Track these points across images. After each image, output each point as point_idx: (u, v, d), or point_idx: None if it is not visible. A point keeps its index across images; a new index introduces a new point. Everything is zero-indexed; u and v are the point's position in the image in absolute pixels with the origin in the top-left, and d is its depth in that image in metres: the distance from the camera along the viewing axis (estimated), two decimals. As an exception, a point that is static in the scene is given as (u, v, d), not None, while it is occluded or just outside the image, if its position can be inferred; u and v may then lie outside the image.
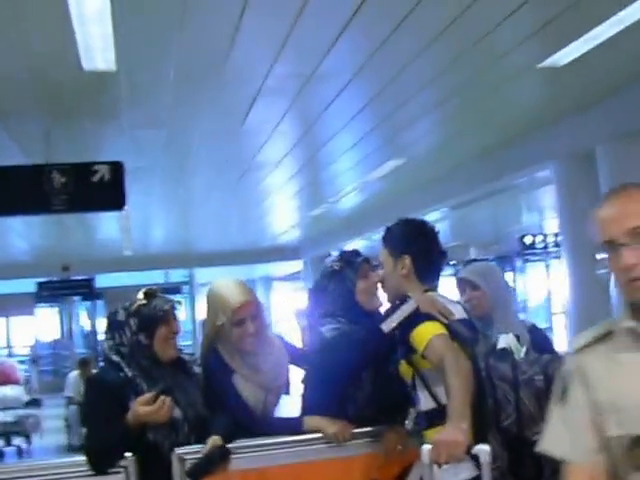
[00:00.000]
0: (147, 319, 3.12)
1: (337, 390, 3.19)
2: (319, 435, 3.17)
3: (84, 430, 3.15)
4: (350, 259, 3.34)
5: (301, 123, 7.87)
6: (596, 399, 1.75)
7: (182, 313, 3.45)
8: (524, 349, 3.29)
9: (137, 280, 20.82)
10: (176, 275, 22.10)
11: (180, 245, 16.86)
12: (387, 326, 2.87)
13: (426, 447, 2.56)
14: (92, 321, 22.68)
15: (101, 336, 21.80)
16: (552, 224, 17.40)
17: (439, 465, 2.53)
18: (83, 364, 12.62)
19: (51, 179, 6.56)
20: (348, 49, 5.56)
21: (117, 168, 6.67)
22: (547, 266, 19.42)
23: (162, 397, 2.94)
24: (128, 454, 3.01)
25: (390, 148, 9.02)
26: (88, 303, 22.15)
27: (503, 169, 9.13)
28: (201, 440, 3.06)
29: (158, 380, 3.10)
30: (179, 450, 3.03)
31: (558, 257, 21.68)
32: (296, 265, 19.84)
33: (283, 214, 14.37)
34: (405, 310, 2.87)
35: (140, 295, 3.21)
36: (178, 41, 4.99)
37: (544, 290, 20.28)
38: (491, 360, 3.01)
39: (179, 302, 3.32)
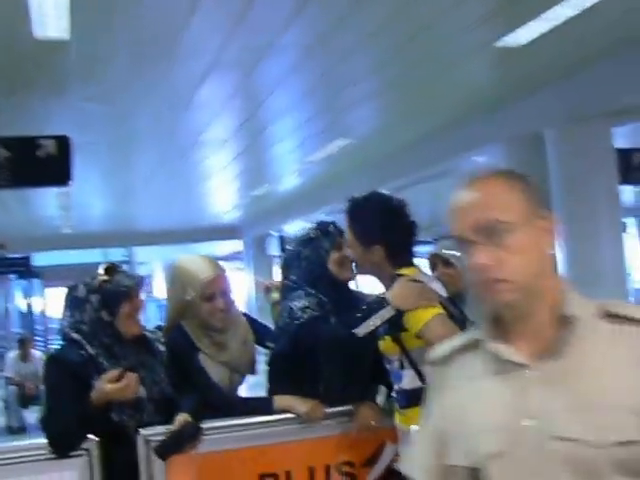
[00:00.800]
0: (110, 296, 2.97)
1: (305, 373, 3.09)
2: (289, 415, 3.07)
3: (44, 411, 2.97)
4: (327, 229, 3.23)
5: (248, 102, 7.74)
6: (444, 422, 1.54)
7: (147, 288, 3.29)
8: None
9: (75, 259, 20.44)
10: (115, 254, 21.69)
11: (120, 223, 16.52)
12: (362, 330, 2.71)
13: (415, 428, 2.47)
14: (29, 300, 22.09)
15: (38, 315, 21.39)
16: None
17: None
18: (21, 343, 12.27)
19: (-5, 153, 6.30)
20: (299, 30, 5.51)
21: (63, 142, 6.45)
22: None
23: (128, 374, 2.79)
24: (91, 436, 2.87)
25: (336, 129, 8.95)
26: (24, 282, 21.56)
27: (450, 151, 9.11)
28: (167, 420, 2.93)
29: (121, 358, 2.96)
30: (144, 431, 2.89)
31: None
32: (236, 245, 19.66)
33: (225, 194, 14.19)
34: (383, 315, 2.70)
35: (101, 271, 3.06)
36: (134, 14, 4.82)
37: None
38: None
39: (141, 277, 3.17)
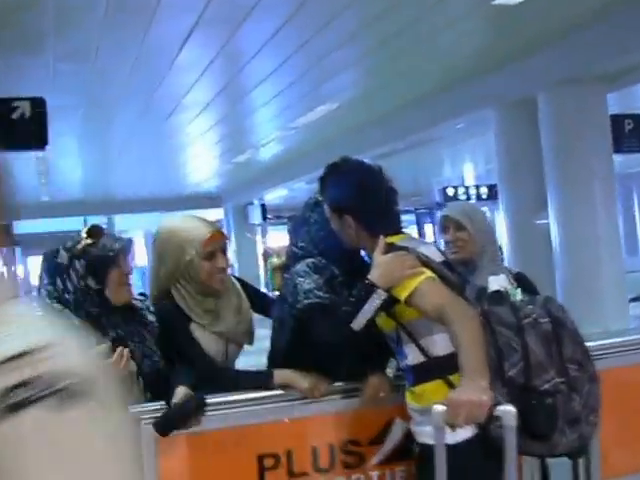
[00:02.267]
0: (96, 261, 2.65)
1: (307, 350, 2.78)
2: (290, 391, 2.77)
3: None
4: None
5: (230, 65, 7.38)
6: None
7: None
8: (519, 291, 2.93)
9: (54, 227, 20.00)
10: (94, 222, 21.26)
11: (99, 191, 16.07)
12: (357, 324, 2.46)
13: (438, 407, 2.18)
14: (10, 268, 21.63)
15: (22, 283, 20.95)
16: (470, 177, 17.40)
17: (452, 427, 2.18)
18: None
19: (-34, 115, 5.91)
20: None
21: (39, 104, 6.09)
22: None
23: (118, 348, 2.47)
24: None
25: (319, 94, 8.62)
26: (5, 250, 21.11)
27: (438, 116, 8.80)
28: (158, 396, 2.64)
29: (109, 329, 2.65)
30: (133, 409, 2.59)
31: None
32: (217, 213, 19.29)
33: (205, 161, 13.82)
34: (374, 302, 2.45)
35: (83, 234, 2.72)
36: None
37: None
38: (485, 305, 2.57)
39: (130, 240, 2.83)
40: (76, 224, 20.65)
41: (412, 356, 2.51)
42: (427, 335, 2.47)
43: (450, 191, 16.63)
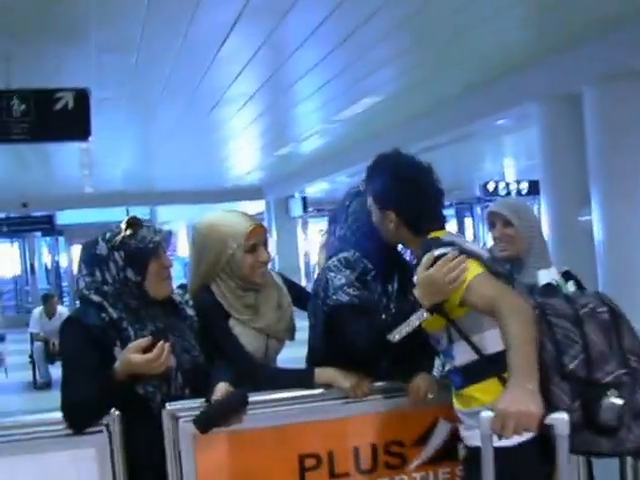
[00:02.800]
0: (135, 253, 2.57)
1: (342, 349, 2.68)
2: (332, 390, 2.68)
3: (61, 381, 2.57)
4: None
5: (274, 57, 7.22)
6: None
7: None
8: (571, 283, 2.81)
9: (98, 217, 20.19)
10: (137, 213, 21.36)
11: (142, 182, 16.11)
12: (396, 336, 2.39)
13: (486, 414, 2.06)
14: (53, 257, 21.86)
15: (64, 272, 21.19)
16: (511, 172, 17.14)
17: (499, 437, 2.06)
18: (46, 300, 12.04)
19: (11, 106, 5.93)
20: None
21: (82, 96, 6.07)
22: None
23: (160, 343, 2.37)
24: (111, 410, 2.49)
25: (363, 87, 8.45)
26: (49, 239, 21.34)
27: (480, 111, 8.62)
28: (197, 393, 2.56)
29: (148, 322, 2.56)
30: (171, 405, 2.52)
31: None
32: (258, 205, 19.25)
33: (247, 155, 13.74)
34: (414, 321, 2.38)
35: (123, 225, 2.64)
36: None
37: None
38: (538, 298, 2.43)
39: (169, 232, 2.72)
40: (119, 215, 20.85)
41: (462, 356, 2.40)
42: (479, 332, 2.37)
43: (490, 186, 16.41)
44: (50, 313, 11.60)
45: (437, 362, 2.88)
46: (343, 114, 9.63)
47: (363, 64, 7.48)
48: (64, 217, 19.35)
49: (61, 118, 5.90)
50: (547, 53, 7.22)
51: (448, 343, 2.43)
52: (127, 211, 21.10)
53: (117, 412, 2.49)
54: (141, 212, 21.18)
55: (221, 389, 2.48)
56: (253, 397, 2.56)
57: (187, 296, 2.80)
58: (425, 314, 2.35)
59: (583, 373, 2.23)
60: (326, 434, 2.67)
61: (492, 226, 3.15)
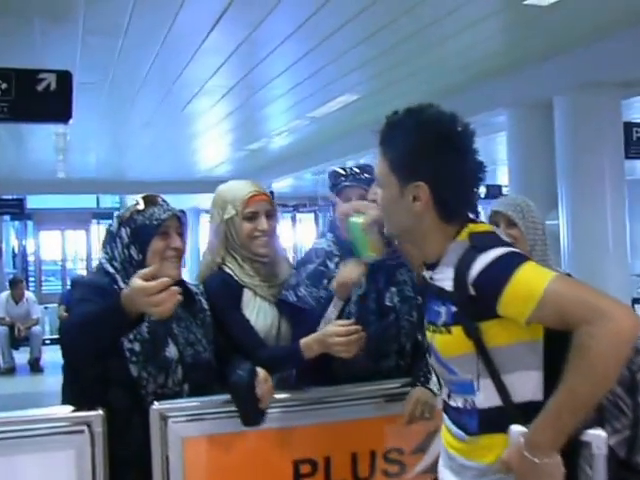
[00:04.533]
0: (140, 229, 2.26)
1: None
2: (331, 393, 2.38)
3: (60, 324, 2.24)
4: (339, 177, 2.63)
5: (253, 54, 6.90)
6: None
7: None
8: None
9: (68, 203, 19.62)
10: (107, 201, 20.81)
11: (113, 171, 15.59)
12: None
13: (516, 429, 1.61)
14: (21, 241, 21.15)
15: (31, 257, 20.56)
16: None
17: None
18: (13, 284, 11.50)
19: (-9, 84, 5.50)
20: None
21: (65, 77, 5.65)
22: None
23: (165, 280, 1.94)
24: (94, 412, 2.16)
25: (336, 88, 8.19)
26: (18, 223, 20.63)
27: (457, 112, 8.40)
28: (197, 391, 2.27)
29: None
30: (159, 405, 2.19)
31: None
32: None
33: (218, 148, 13.38)
34: (329, 314, 2.10)
35: (139, 200, 2.34)
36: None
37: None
38: None
39: (183, 212, 2.38)
40: (89, 202, 20.30)
41: (485, 395, 1.71)
42: (513, 370, 1.68)
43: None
44: (17, 297, 11.08)
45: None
46: (318, 111, 9.34)
47: (337, 67, 7.23)
48: (33, 201, 18.74)
49: (43, 99, 5.51)
50: (519, 63, 7.06)
51: (474, 377, 1.72)
52: (97, 199, 20.60)
53: (101, 412, 2.16)
54: (110, 200, 20.67)
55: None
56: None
57: (201, 287, 2.50)
58: (339, 303, 2.01)
59: (622, 453, 1.77)
60: (323, 439, 2.37)
61: (495, 226, 2.87)
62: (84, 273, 17.94)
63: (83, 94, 6.73)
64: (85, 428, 2.15)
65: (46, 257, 21.26)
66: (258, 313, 2.50)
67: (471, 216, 1.81)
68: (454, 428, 1.81)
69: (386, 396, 2.43)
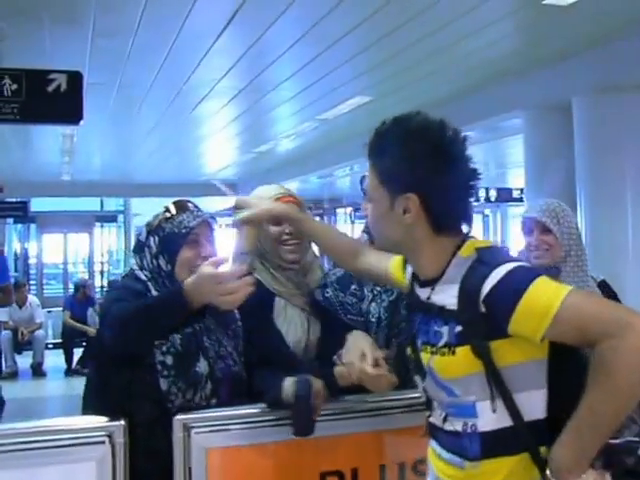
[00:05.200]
0: (168, 238, 2.19)
1: None
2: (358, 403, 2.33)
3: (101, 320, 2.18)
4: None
5: (262, 56, 6.87)
6: None
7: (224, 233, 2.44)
8: None
9: (72, 206, 19.61)
10: (111, 204, 20.81)
11: (119, 173, 15.63)
12: None
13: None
14: (24, 245, 21.15)
15: (33, 260, 20.54)
16: (486, 177, 17.00)
17: None
18: (16, 287, 11.44)
19: (2, 85, 5.52)
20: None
21: (76, 78, 5.66)
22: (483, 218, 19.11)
23: (247, 277, 1.88)
24: (113, 422, 2.11)
25: (350, 89, 8.16)
26: (21, 226, 20.62)
27: (470, 116, 8.35)
28: (223, 404, 2.21)
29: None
30: (184, 416, 2.15)
31: (481, 211, 21.91)
32: (232, 201, 18.86)
33: (225, 151, 13.39)
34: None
35: (171, 207, 2.26)
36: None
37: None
38: None
39: (213, 218, 2.30)
40: (93, 205, 20.30)
41: (490, 418, 1.64)
42: (524, 389, 1.63)
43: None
44: (21, 301, 11.06)
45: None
46: (329, 113, 9.33)
47: (350, 68, 7.21)
48: (37, 204, 18.75)
49: (53, 100, 5.51)
50: (537, 64, 7.01)
51: (478, 399, 1.65)
52: (101, 202, 20.60)
53: (122, 422, 2.12)
54: (115, 203, 20.67)
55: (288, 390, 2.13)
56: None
57: None
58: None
59: (630, 462, 1.66)
60: (351, 450, 2.32)
61: (529, 232, 2.82)
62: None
63: (91, 95, 6.72)
64: (106, 439, 2.10)
65: (48, 260, 21.26)
66: (289, 324, 2.44)
67: (466, 230, 1.75)
68: (447, 455, 1.74)
69: (414, 405, 2.37)
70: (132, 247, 2.33)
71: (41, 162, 13.47)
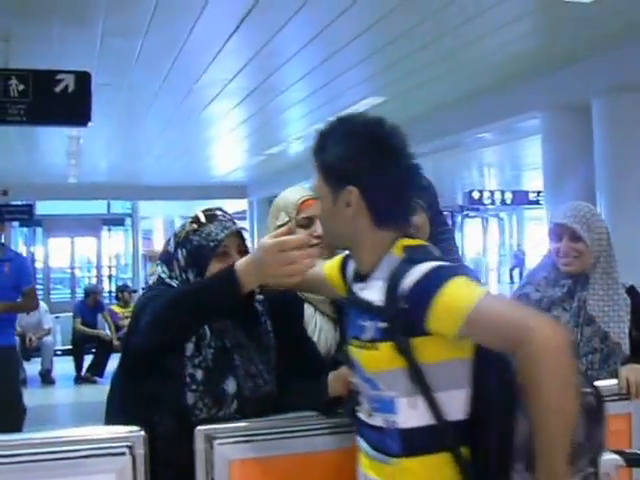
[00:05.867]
0: (196, 251, 2.11)
1: None
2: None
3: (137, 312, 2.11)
4: None
5: (274, 57, 6.87)
6: None
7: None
8: None
9: (78, 209, 19.63)
10: (118, 206, 20.83)
11: (126, 175, 15.64)
12: None
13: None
14: (30, 249, 21.21)
15: (39, 264, 20.57)
16: (493, 182, 16.96)
17: None
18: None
19: (8, 86, 5.51)
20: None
21: (84, 79, 5.67)
22: (485, 221, 19.09)
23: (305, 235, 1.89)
24: (135, 430, 2.08)
25: (368, 88, 8.13)
26: (27, 230, 20.68)
27: (485, 117, 8.34)
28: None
29: (213, 338, 2.11)
30: (206, 427, 2.11)
31: (497, 215, 21.90)
32: (241, 204, 18.84)
33: (235, 153, 13.39)
34: None
35: (199, 215, 2.17)
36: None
37: (481, 244, 19.94)
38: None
39: (244, 228, 2.23)
40: (99, 207, 20.33)
41: (409, 415, 1.67)
42: (447, 388, 1.67)
43: (475, 194, 16.21)
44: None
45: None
46: (343, 113, 9.24)
47: (363, 67, 7.18)
48: (43, 207, 18.79)
49: (61, 101, 5.52)
50: (555, 63, 6.98)
51: (399, 395, 1.69)
52: (108, 205, 20.62)
53: (143, 432, 2.09)
54: (122, 206, 20.69)
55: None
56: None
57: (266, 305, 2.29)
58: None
59: None
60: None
61: (558, 238, 2.75)
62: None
63: (99, 96, 6.71)
64: (126, 450, 2.07)
65: (55, 265, 21.31)
66: (320, 333, 2.41)
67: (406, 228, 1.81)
68: (371, 451, 1.78)
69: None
70: (159, 256, 2.24)
71: (47, 164, 13.48)
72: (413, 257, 1.69)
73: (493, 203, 15.97)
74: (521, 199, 16.97)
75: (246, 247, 2.18)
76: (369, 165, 1.72)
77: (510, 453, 1.63)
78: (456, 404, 1.66)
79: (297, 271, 1.74)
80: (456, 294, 1.58)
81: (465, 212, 18.33)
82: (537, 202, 16.82)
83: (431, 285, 1.60)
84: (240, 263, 1.80)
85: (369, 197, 1.72)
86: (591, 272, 2.70)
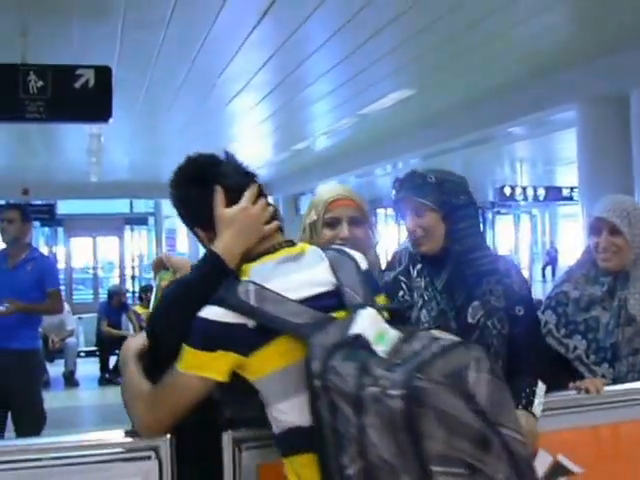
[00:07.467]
0: None
1: None
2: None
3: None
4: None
5: (298, 51, 6.85)
6: None
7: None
8: (391, 334, 1.67)
9: (100, 209, 19.74)
10: (140, 205, 20.92)
11: (148, 173, 15.67)
12: None
13: None
14: (51, 249, 21.39)
15: (60, 264, 20.73)
16: (525, 177, 16.83)
17: None
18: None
19: (27, 82, 5.52)
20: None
21: (105, 74, 5.67)
22: (517, 218, 18.98)
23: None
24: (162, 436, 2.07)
25: (395, 81, 8.08)
26: (48, 229, 20.85)
27: (518, 110, 8.26)
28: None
29: None
30: (235, 432, 2.10)
31: (529, 211, 21.72)
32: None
33: (259, 149, 13.37)
34: None
35: None
36: None
37: (512, 241, 19.82)
38: (335, 359, 1.58)
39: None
40: (122, 207, 20.44)
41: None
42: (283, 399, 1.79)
43: (507, 190, 16.10)
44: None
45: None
46: (369, 108, 9.24)
47: (390, 61, 7.15)
48: (64, 207, 18.93)
49: (80, 97, 5.52)
50: (592, 53, 6.88)
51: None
52: (131, 204, 20.71)
53: (169, 435, 2.08)
54: (144, 205, 20.78)
55: None
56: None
57: None
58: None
59: None
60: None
61: (598, 233, 2.70)
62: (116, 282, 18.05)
63: (120, 92, 6.74)
64: (152, 454, 2.07)
65: (77, 265, 21.46)
66: None
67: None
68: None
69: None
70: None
71: (68, 163, 13.58)
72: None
73: (525, 199, 15.84)
74: (554, 195, 16.81)
75: None
76: (190, 204, 2.00)
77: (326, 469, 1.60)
78: (291, 413, 1.76)
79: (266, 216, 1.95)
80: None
81: (496, 209, 18.19)
82: (571, 198, 16.66)
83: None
84: (215, 245, 1.90)
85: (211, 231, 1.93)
86: (632, 269, 2.64)
